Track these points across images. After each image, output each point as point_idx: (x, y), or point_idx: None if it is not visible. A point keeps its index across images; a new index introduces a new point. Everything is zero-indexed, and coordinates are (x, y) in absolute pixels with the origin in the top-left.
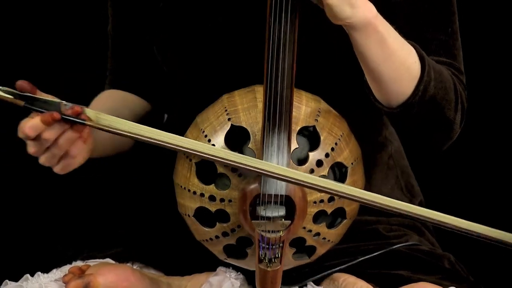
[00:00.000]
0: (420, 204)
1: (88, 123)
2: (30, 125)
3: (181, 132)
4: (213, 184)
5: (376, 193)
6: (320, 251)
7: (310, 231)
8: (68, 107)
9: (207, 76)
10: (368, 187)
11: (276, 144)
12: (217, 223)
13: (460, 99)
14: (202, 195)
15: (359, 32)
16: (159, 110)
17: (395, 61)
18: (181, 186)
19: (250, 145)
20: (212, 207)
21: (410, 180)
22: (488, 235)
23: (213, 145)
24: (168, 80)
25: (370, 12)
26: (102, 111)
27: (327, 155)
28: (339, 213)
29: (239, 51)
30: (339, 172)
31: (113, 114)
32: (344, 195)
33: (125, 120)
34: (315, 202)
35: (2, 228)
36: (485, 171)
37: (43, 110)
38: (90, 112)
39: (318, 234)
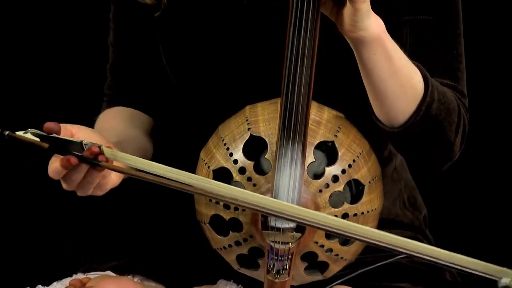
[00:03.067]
0: (424, 218)
1: (104, 164)
2: (53, 169)
3: (193, 141)
4: None
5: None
6: (334, 268)
7: (322, 246)
8: (88, 146)
9: (218, 87)
10: (382, 204)
11: (290, 155)
12: (230, 231)
13: (463, 122)
14: (217, 202)
15: (367, 47)
16: (161, 124)
17: (400, 78)
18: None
19: (267, 156)
20: (226, 215)
21: (413, 193)
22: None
23: (231, 154)
24: (175, 91)
25: (379, 27)
26: (113, 134)
27: (343, 171)
28: None
29: (249, 62)
30: (356, 190)
31: (126, 136)
32: (345, 232)
33: (140, 158)
34: None
35: (3, 241)
36: (489, 183)
37: (63, 153)
38: (107, 150)
39: (330, 250)
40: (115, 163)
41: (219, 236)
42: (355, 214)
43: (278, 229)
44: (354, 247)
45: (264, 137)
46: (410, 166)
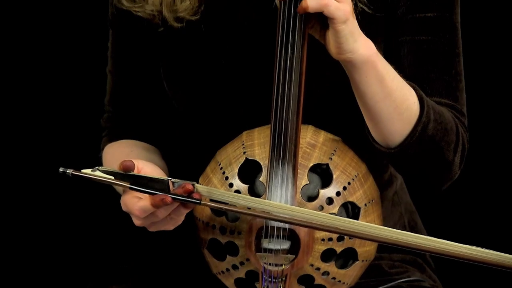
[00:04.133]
0: None
1: (203, 202)
2: (140, 208)
3: (193, 167)
4: (224, 216)
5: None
6: None
7: (318, 269)
8: (177, 186)
9: (219, 110)
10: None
11: (280, 175)
12: (227, 255)
13: (461, 141)
14: (213, 226)
15: (358, 70)
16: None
17: (393, 100)
18: (198, 218)
19: (261, 178)
20: (223, 239)
21: (414, 217)
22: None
23: (227, 178)
24: (176, 117)
25: (369, 49)
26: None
27: (338, 194)
28: (351, 254)
29: (250, 86)
30: (352, 212)
31: (157, 165)
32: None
33: (238, 194)
34: (323, 240)
35: (4, 261)
36: (489, 206)
37: (151, 191)
38: (201, 188)
39: (327, 273)
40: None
41: (217, 261)
42: (351, 237)
43: (271, 250)
44: (352, 271)
45: (259, 161)
46: (410, 186)
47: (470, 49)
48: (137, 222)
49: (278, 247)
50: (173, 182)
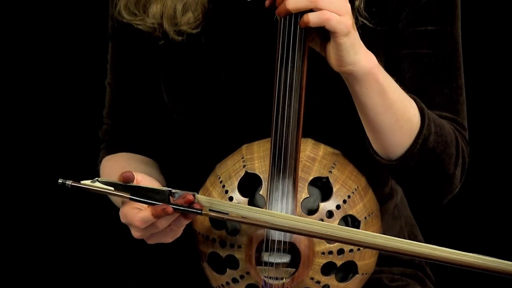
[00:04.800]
0: None
1: (204, 212)
2: (141, 218)
3: (192, 180)
4: (224, 229)
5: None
6: None
7: (318, 282)
8: (178, 196)
9: (218, 123)
10: None
11: (281, 189)
12: (227, 269)
13: (462, 154)
14: (214, 240)
15: (359, 82)
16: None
17: (394, 112)
18: (198, 232)
19: (261, 192)
20: (223, 253)
21: (414, 230)
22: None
23: (227, 191)
24: (176, 129)
25: (370, 62)
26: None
27: (338, 207)
28: (351, 267)
29: (249, 100)
30: (352, 225)
31: (155, 178)
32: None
33: (234, 203)
34: (323, 253)
35: (4, 261)
36: (490, 220)
37: (151, 202)
38: (201, 198)
39: (327, 286)
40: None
41: (217, 274)
42: (351, 250)
43: (271, 264)
44: (352, 284)
45: (258, 174)
46: (411, 199)
47: (470, 51)
48: (136, 234)
49: (278, 260)
50: (173, 193)
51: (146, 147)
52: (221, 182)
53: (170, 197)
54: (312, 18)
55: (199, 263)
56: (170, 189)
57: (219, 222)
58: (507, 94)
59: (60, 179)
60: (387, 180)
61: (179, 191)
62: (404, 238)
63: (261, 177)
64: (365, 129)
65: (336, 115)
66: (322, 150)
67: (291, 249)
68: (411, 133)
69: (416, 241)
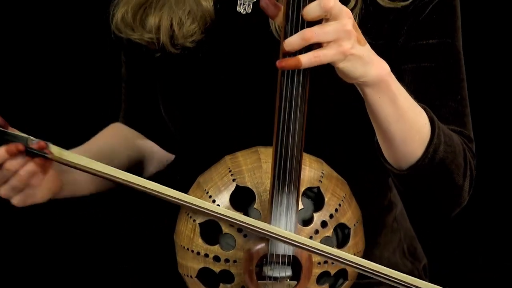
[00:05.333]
0: (424, 268)
1: (49, 156)
2: None
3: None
4: (217, 245)
5: (378, 256)
6: None
7: None
8: (34, 142)
9: (213, 136)
10: (370, 250)
11: (285, 204)
12: (220, 283)
13: (469, 166)
14: (206, 255)
15: (372, 89)
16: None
17: (406, 121)
18: (184, 247)
19: (255, 206)
20: (217, 268)
21: (413, 242)
22: None
23: (218, 205)
24: (173, 140)
25: (383, 70)
26: (100, 145)
27: (331, 216)
28: (342, 274)
29: (243, 112)
30: (341, 234)
31: (108, 150)
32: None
33: (86, 158)
34: (319, 263)
35: (4, 261)
36: (489, 234)
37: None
38: (54, 148)
39: None
40: None
41: None
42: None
43: (275, 278)
44: None
45: (251, 187)
46: (415, 211)
47: (470, 55)
48: None
49: (282, 274)
50: (31, 140)
51: (152, 133)
52: (210, 196)
53: (29, 142)
54: (304, 61)
55: (179, 277)
56: (29, 136)
57: (211, 238)
58: (506, 96)
59: None
60: (386, 193)
61: (36, 139)
62: (403, 250)
63: (254, 190)
64: (377, 137)
65: (338, 125)
66: (308, 159)
67: (293, 262)
68: (422, 142)
69: (416, 253)
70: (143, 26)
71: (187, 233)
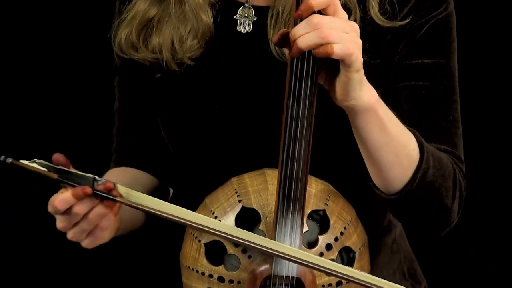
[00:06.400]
0: None
1: (119, 199)
2: (61, 198)
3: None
4: (222, 265)
5: (377, 276)
6: None
7: None
8: (100, 183)
9: (214, 157)
10: (370, 271)
11: (290, 225)
12: None
13: (459, 187)
14: (210, 276)
15: (360, 116)
16: (166, 184)
17: (394, 146)
18: (189, 267)
19: (260, 227)
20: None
21: (413, 265)
22: None
23: None
24: (174, 159)
25: (372, 97)
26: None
27: (336, 239)
28: None
29: (245, 133)
30: (347, 257)
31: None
32: (363, 282)
33: (154, 198)
34: (323, 286)
35: (4, 261)
36: (489, 257)
37: (75, 184)
38: (121, 188)
39: None
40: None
41: None
42: (348, 282)
43: None
44: None
45: (256, 209)
46: (410, 233)
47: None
48: (59, 224)
49: None
50: (97, 180)
51: (147, 165)
52: (216, 217)
53: (95, 183)
54: (337, 50)
55: None
56: (95, 176)
57: (216, 258)
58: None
59: (2, 156)
60: (385, 214)
61: (102, 179)
62: (403, 272)
63: (260, 212)
64: (365, 163)
65: (340, 148)
66: (314, 182)
67: (296, 284)
68: (410, 167)
69: (416, 275)
70: (146, 46)
71: (192, 254)
